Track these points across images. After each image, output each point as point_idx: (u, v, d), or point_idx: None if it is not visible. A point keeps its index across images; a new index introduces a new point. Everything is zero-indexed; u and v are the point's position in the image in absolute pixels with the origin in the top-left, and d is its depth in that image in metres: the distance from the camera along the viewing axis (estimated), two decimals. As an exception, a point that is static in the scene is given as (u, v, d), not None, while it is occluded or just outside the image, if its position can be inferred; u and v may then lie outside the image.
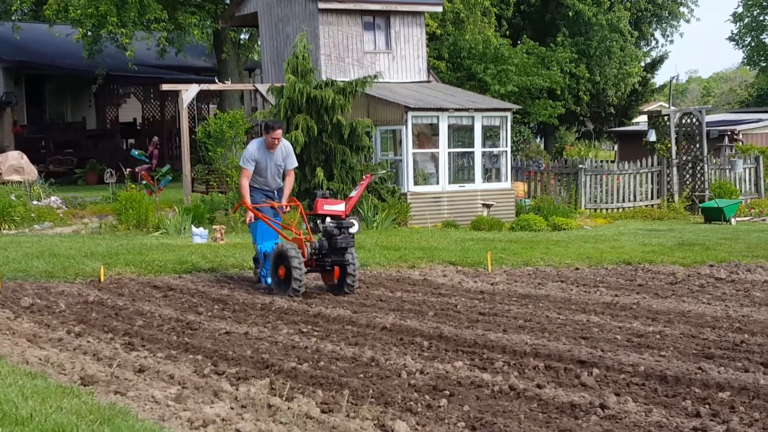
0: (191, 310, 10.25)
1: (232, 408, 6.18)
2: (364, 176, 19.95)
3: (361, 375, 7.12)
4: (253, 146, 12.33)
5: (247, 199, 12.08)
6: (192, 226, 17.74)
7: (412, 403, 6.29)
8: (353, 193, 19.23)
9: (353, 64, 24.31)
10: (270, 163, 12.24)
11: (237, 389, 6.66)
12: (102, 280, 12.25)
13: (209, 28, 31.65)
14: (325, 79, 21.72)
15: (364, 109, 22.37)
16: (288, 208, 12.55)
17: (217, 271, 13.17)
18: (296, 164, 12.86)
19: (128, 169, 21.73)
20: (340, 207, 18.62)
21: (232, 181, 20.29)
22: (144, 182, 20.98)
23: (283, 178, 12.52)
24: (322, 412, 6.12)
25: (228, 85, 25.76)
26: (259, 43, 28.18)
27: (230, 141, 20.99)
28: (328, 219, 18.39)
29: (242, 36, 35.79)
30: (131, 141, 35.36)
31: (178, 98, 22.82)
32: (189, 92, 22.38)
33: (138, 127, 36.06)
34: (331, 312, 9.98)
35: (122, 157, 28.32)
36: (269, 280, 11.70)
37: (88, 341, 8.44)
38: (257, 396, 6.42)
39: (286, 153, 12.42)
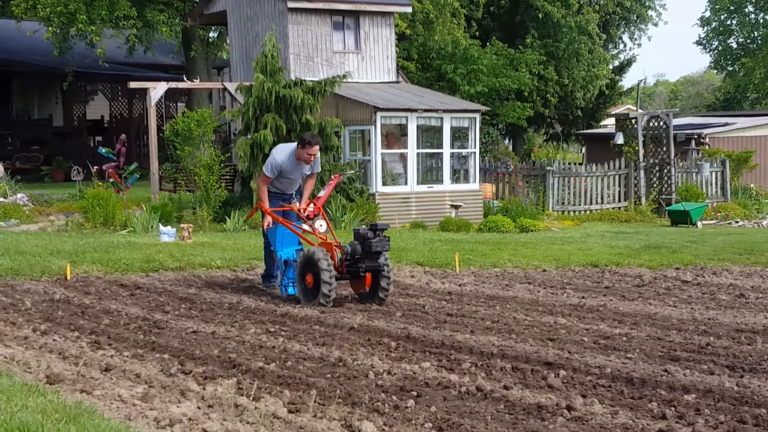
0: (158, 308, 10.19)
1: (198, 407, 6.15)
2: (332, 176, 19.89)
3: (329, 375, 7.10)
4: (282, 155, 11.38)
5: (267, 204, 11.38)
6: (159, 224, 17.64)
7: (379, 403, 6.29)
8: (321, 193, 19.23)
9: (322, 63, 24.28)
10: (296, 173, 11.53)
11: (204, 389, 6.63)
12: (68, 278, 12.16)
13: (178, 25, 31.50)
14: (294, 78, 21.68)
15: (333, 108, 22.35)
16: (307, 211, 11.62)
17: (184, 270, 13.10)
18: (320, 169, 12.24)
19: (95, 167, 21.58)
20: (308, 207, 18.67)
21: (200, 180, 20.18)
22: (111, 180, 20.84)
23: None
24: (289, 412, 6.10)
25: (196, 84, 25.64)
26: (228, 41, 28.08)
27: (198, 139, 20.87)
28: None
29: (211, 34, 35.63)
30: (98, 139, 35.15)
31: (146, 96, 22.70)
32: (157, 90, 22.25)
33: (105, 125, 35.85)
34: (298, 312, 9.96)
35: (89, 154, 28.15)
36: (291, 289, 11.01)
37: (54, 339, 8.37)
38: (224, 395, 6.39)
39: (314, 161, 11.50)
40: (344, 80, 21.49)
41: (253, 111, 20.32)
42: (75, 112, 35.40)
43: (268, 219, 11.34)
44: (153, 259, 13.60)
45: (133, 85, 23.63)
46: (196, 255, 14.15)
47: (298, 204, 11.59)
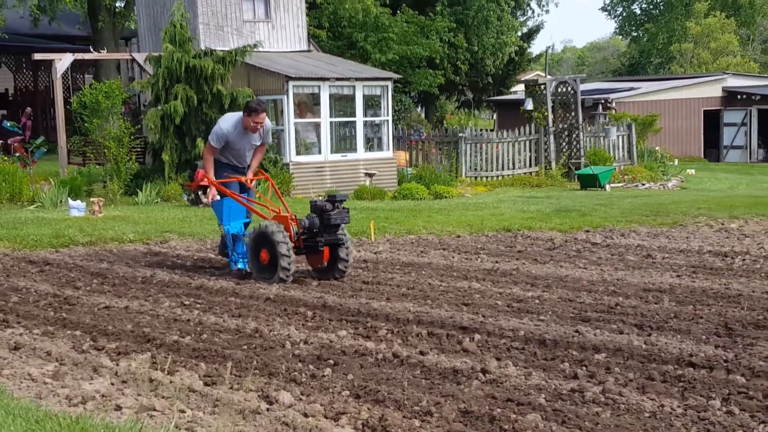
0: (69, 285, 10.02)
1: (112, 384, 6.08)
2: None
3: (245, 347, 7.08)
4: (228, 124, 10.84)
5: (211, 174, 10.77)
6: (69, 198, 17.33)
7: (296, 373, 6.30)
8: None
9: (232, 33, 24.00)
10: (245, 143, 10.92)
11: (117, 364, 6.55)
12: (-26, 256, 11.87)
13: (83, -5, 30.83)
14: (204, 48, 21.42)
15: (244, 78, 22.14)
16: (254, 182, 11.27)
17: (95, 245, 12.89)
18: (271, 140, 11.64)
19: (0, 141, 21.05)
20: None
21: (109, 153, 19.86)
22: (17, 154, 20.35)
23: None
24: (206, 384, 6.07)
25: (103, 55, 25.15)
26: (136, 11, 27.55)
27: (107, 111, 20.52)
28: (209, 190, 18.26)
29: (118, 4, 34.93)
30: (3, 112, 34.20)
31: (52, 68, 22.19)
32: (63, 62, 21.77)
33: (10, 98, 34.92)
34: (213, 284, 9.89)
35: (-7, 128, 27.40)
36: (240, 264, 10.54)
37: (-39, 319, 8.17)
38: (138, 371, 6.33)
39: (264, 131, 10.97)
40: (255, 50, 21.30)
41: (163, 82, 20.03)
42: (-23, 85, 34.45)
43: (213, 191, 10.81)
44: (63, 234, 13.35)
45: (37, 56, 23.07)
46: (108, 229, 13.93)
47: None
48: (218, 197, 10.76)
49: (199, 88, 19.99)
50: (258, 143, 11.03)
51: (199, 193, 18.32)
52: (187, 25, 20.74)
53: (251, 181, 11.08)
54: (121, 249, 12.67)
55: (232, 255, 10.66)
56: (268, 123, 11.05)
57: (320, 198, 10.40)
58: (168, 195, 19.12)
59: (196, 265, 11.30)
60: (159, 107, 20.13)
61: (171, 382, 6.06)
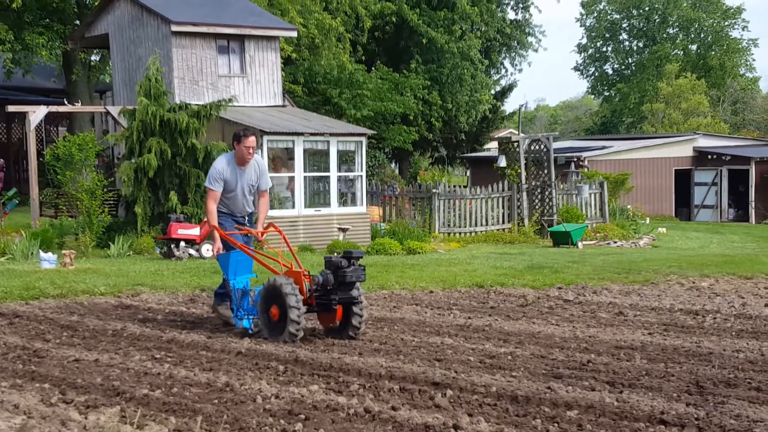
0: (38, 337, 9.91)
1: (81, 437, 6.01)
2: (219, 200, 19.85)
3: (216, 400, 7.02)
4: (221, 163, 10.54)
5: (216, 224, 10.41)
6: (40, 251, 17.22)
7: (266, 427, 6.25)
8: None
9: (208, 87, 24.12)
10: (241, 182, 10.54)
11: (86, 418, 6.47)
12: (-58, 307, 11.73)
13: (58, 48, 30.87)
14: (178, 102, 21.52)
15: (219, 132, 22.20)
16: (264, 235, 10.80)
17: (66, 298, 12.78)
18: (271, 184, 11.23)
19: (-29, 193, 20.95)
20: (194, 231, 18.52)
21: (82, 205, 19.79)
22: (-11, 206, 20.26)
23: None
24: (176, 439, 6.01)
25: (78, 107, 25.17)
26: (111, 64, 27.65)
27: (80, 164, 20.49)
28: (182, 243, 18.22)
29: (93, 57, 35.03)
30: (-25, 164, 34.08)
31: (26, 120, 22.17)
32: (37, 114, 21.77)
33: (-18, 150, 34.78)
34: (185, 337, 9.82)
35: (-35, 180, 27.22)
36: (245, 322, 10.09)
37: (-73, 372, 8.06)
38: (107, 424, 6.26)
39: (260, 171, 10.69)
40: (230, 104, 21.41)
41: (137, 135, 20.06)
42: (-50, 136, 34.31)
43: (219, 243, 10.38)
44: (33, 286, 13.24)
45: (11, 108, 23.04)
46: (79, 282, 13.83)
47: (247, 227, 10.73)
48: (223, 250, 10.37)
49: (174, 141, 20.02)
50: (254, 183, 10.65)
51: (172, 246, 18.28)
52: (162, 79, 20.83)
53: (263, 234, 10.67)
54: (92, 302, 12.57)
55: (237, 312, 10.20)
56: (263, 164, 10.82)
57: (335, 254, 9.99)
58: (140, 248, 19.05)
59: (168, 319, 11.23)
60: (133, 160, 20.13)
61: (140, 436, 5.99)
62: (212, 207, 10.43)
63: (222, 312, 10.74)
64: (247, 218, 10.84)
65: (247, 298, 10.13)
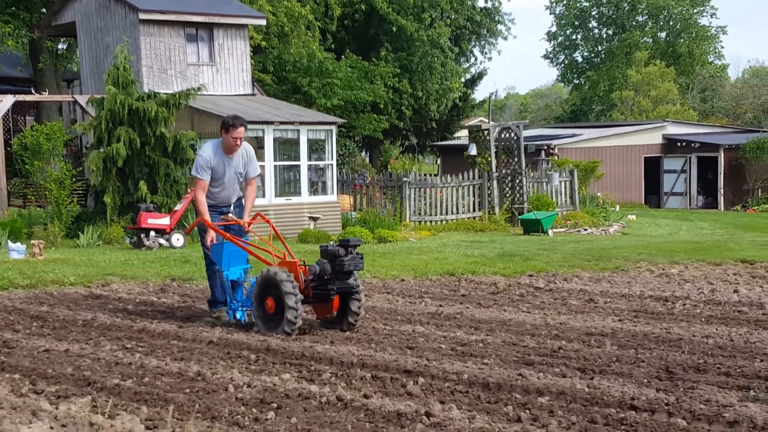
0: (8, 327, 9.84)
1: (51, 428, 5.97)
2: (189, 189, 19.76)
3: (187, 390, 7.00)
4: (208, 150, 10.23)
5: (207, 216, 10.04)
6: (8, 241, 17.09)
7: (239, 416, 6.24)
8: (178, 207, 19.10)
9: (176, 76, 23.97)
10: (228, 171, 10.23)
11: (57, 408, 6.43)
12: None
13: (24, 37, 30.55)
14: (147, 91, 21.39)
15: (188, 121, 22.09)
16: (251, 226, 10.48)
17: (36, 288, 12.69)
18: (259, 171, 10.93)
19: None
20: (164, 220, 18.44)
21: (51, 195, 19.64)
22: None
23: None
24: (147, 428, 5.98)
25: (45, 96, 24.96)
26: (78, 53, 27.41)
27: (48, 153, 20.35)
28: (152, 233, 18.13)
29: (60, 46, 34.71)
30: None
31: (-8, 109, 21.95)
32: (3, 103, 21.57)
33: (-52, 139, 34.39)
34: (156, 327, 9.78)
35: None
36: (239, 314, 9.88)
37: None
38: (78, 414, 6.22)
39: (247, 158, 10.36)
40: (199, 93, 21.31)
41: (106, 124, 19.93)
42: None
43: (211, 234, 10.06)
44: (2, 277, 13.14)
45: (-23, 97, 22.81)
46: (48, 272, 13.74)
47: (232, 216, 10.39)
48: (216, 240, 10.05)
49: (142, 130, 19.91)
50: (242, 171, 10.34)
51: (142, 235, 18.18)
52: (131, 68, 20.70)
53: (249, 224, 10.40)
54: (61, 292, 12.49)
55: (231, 303, 9.98)
56: (251, 150, 10.48)
57: (332, 243, 9.77)
58: (110, 238, 18.94)
59: (138, 308, 11.18)
60: (101, 149, 20.00)
61: (111, 426, 5.96)
62: (201, 197, 10.09)
63: (225, 319, 10.31)
64: (232, 206, 10.52)
65: (240, 290, 9.96)
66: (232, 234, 10.15)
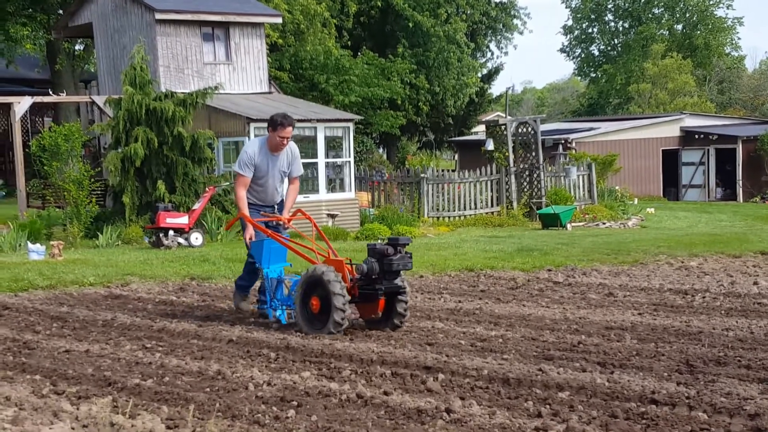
0: (28, 329, 9.89)
1: (72, 428, 6.00)
2: (207, 188, 19.81)
3: (208, 389, 7.02)
4: (254, 147, 10.03)
5: (246, 211, 9.90)
6: (28, 242, 17.16)
7: (259, 415, 6.25)
8: (196, 206, 19.14)
9: (193, 75, 24.03)
10: (272, 169, 10.07)
11: (78, 408, 6.46)
12: (-69, 301, 11.69)
13: (42, 39, 30.73)
14: (164, 90, 21.44)
15: (205, 120, 22.14)
16: (291, 222, 10.37)
17: (55, 288, 12.75)
18: (303, 171, 10.75)
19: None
20: (183, 220, 18.48)
21: (69, 196, 19.72)
22: (-25, 198, 20.19)
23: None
24: (168, 428, 6.00)
25: (63, 98, 25.07)
26: (95, 54, 27.52)
27: (66, 154, 20.42)
28: (171, 232, 18.18)
29: (77, 47, 34.87)
30: (-39, 156, 33.94)
31: (10, 111, 22.06)
32: (21, 105, 21.67)
33: (-32, 142, 34.64)
34: (175, 326, 9.80)
35: (-49, 172, 27.16)
36: (279, 313, 9.71)
37: None
38: (99, 415, 6.24)
39: (292, 157, 10.18)
40: (216, 92, 21.35)
41: (123, 124, 19.99)
42: (-66, 128, 34.12)
43: (251, 230, 9.88)
44: (22, 278, 13.20)
45: (-5, 100, 22.95)
46: (68, 272, 13.79)
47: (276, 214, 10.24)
48: (255, 237, 9.87)
49: (160, 130, 19.96)
50: (286, 170, 10.18)
51: (161, 235, 18.24)
52: (148, 68, 20.75)
53: (290, 220, 10.28)
54: (81, 292, 12.54)
55: (271, 302, 9.77)
56: (296, 149, 10.28)
57: (380, 241, 9.52)
58: (129, 237, 19.01)
59: (158, 308, 11.21)
60: (119, 150, 20.06)
61: (132, 425, 5.99)
62: (242, 193, 9.93)
63: (243, 308, 10.42)
64: (276, 207, 10.37)
65: (281, 288, 9.77)
66: (273, 231, 9.98)
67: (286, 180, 10.45)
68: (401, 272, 9.25)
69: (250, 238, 9.85)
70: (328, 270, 9.05)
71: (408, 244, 9.35)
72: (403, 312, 9.30)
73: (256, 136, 21.49)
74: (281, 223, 10.21)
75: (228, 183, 21.04)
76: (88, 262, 15.29)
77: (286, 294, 9.77)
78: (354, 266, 9.33)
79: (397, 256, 9.12)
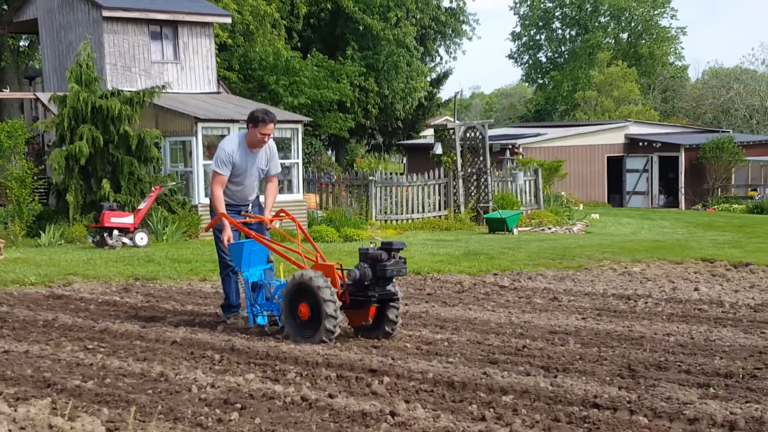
0: (-33, 329, 9.71)
1: (9, 430, 5.89)
2: (153, 188, 19.64)
3: (150, 391, 6.94)
4: (232, 144, 9.57)
5: (224, 211, 9.42)
6: (-32, 240, 16.86)
7: (202, 417, 6.19)
8: (142, 205, 18.97)
9: (140, 74, 23.81)
10: (251, 167, 9.67)
11: (15, 410, 6.35)
12: None
13: (-15, 34, 30.27)
14: (111, 88, 21.23)
15: (152, 119, 21.95)
16: (272, 223, 9.98)
17: (-5, 288, 12.55)
18: (280, 168, 10.39)
19: None
20: (128, 219, 18.30)
21: (11, 194, 19.42)
22: None
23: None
24: (108, 430, 5.92)
25: (6, 94, 24.69)
26: (40, 50, 27.15)
27: (9, 151, 20.12)
28: (115, 232, 17.99)
29: (21, 43, 34.37)
30: None
31: (-48, 106, 21.70)
32: (-36, 100, 21.30)
33: None
34: (118, 327, 9.69)
35: None
36: (259, 319, 9.32)
37: None
38: (37, 417, 6.14)
39: (270, 154, 9.83)
40: (163, 91, 21.17)
41: (68, 122, 19.75)
42: None
43: (228, 233, 9.34)
44: (-39, 276, 12.98)
45: (-63, 95, 22.54)
46: (8, 271, 13.58)
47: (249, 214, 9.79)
48: (233, 239, 9.39)
49: (106, 128, 19.75)
50: (264, 168, 9.82)
51: (105, 234, 18.04)
52: (94, 65, 20.53)
53: (271, 221, 9.89)
54: (22, 292, 12.35)
55: (252, 307, 9.35)
56: (274, 147, 9.94)
57: (372, 246, 9.14)
58: (72, 237, 18.77)
59: (101, 309, 11.08)
60: (64, 147, 19.82)
61: (72, 428, 5.90)
62: (219, 192, 9.48)
63: (241, 324, 9.77)
64: (250, 205, 9.97)
65: (262, 292, 9.39)
66: (255, 232, 9.54)
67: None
68: (393, 278, 8.92)
69: (228, 240, 9.39)
70: (318, 276, 8.69)
71: (402, 249, 9.00)
72: (394, 319, 9.00)
73: (204, 136, 21.36)
74: (263, 223, 9.83)
75: (174, 183, 20.88)
76: (29, 261, 15.07)
77: (267, 298, 9.39)
78: (345, 272, 8.96)
79: (391, 262, 8.80)
